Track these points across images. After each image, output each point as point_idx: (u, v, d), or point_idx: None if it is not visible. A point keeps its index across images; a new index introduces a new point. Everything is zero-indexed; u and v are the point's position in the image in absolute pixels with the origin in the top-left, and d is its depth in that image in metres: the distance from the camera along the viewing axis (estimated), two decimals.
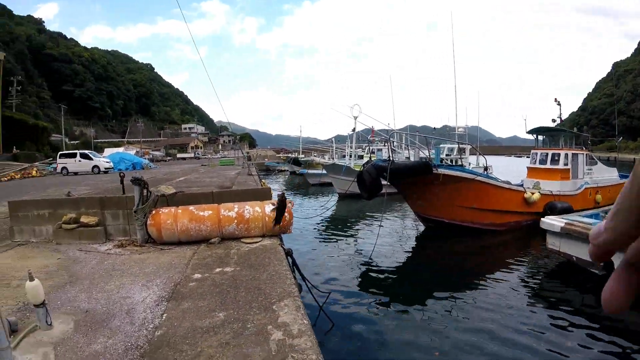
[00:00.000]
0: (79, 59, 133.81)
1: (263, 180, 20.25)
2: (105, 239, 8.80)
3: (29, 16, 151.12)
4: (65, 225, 8.82)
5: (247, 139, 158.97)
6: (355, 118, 31.19)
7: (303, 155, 60.22)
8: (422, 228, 18.55)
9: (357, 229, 19.80)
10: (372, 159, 22.92)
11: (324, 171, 33.26)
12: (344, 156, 43.54)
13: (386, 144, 32.06)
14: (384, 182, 15.93)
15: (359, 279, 11.90)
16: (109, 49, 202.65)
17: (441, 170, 15.99)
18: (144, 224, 8.18)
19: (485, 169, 20.89)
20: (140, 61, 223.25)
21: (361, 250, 15.18)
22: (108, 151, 60.10)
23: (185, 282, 5.80)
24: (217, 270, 6.23)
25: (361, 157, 38.80)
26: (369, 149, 38.86)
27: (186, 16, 9.80)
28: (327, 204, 23.95)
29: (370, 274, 12.44)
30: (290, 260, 7.32)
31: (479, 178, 16.57)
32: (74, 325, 4.60)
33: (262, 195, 9.42)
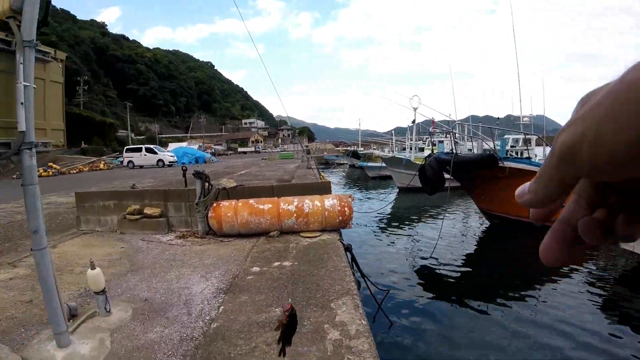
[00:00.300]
0: (142, 59, 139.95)
1: (322, 174, 20.16)
2: (168, 230, 8.96)
3: (92, 20, 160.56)
4: (130, 215, 9.07)
5: (306, 132, 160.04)
6: (415, 109, 30.53)
7: (362, 148, 59.73)
8: (487, 224, 17.87)
9: (418, 225, 19.26)
10: (434, 151, 22.27)
11: (384, 164, 32.57)
12: (404, 149, 42.80)
13: (447, 136, 31.10)
14: (447, 176, 15.45)
15: (420, 278, 11.49)
16: (171, 49, 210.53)
17: (507, 163, 15.29)
18: (205, 216, 8.24)
19: None
20: (200, 59, 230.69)
21: (422, 247, 14.66)
22: (172, 146, 62.44)
23: (243, 275, 5.73)
24: (276, 264, 6.13)
25: (421, 149, 38.02)
26: (430, 141, 37.90)
27: (243, 14, 9.88)
28: (386, 198, 23.54)
29: (431, 272, 12.01)
30: (349, 255, 7.13)
31: None
32: (132, 313, 4.63)
33: (322, 189, 9.25)
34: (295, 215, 7.82)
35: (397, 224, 19.25)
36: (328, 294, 4.86)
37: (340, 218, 7.96)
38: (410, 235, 16.99)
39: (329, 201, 8.02)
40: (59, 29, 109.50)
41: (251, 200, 8.15)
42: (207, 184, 8.30)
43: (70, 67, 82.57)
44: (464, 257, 13.53)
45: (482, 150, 20.19)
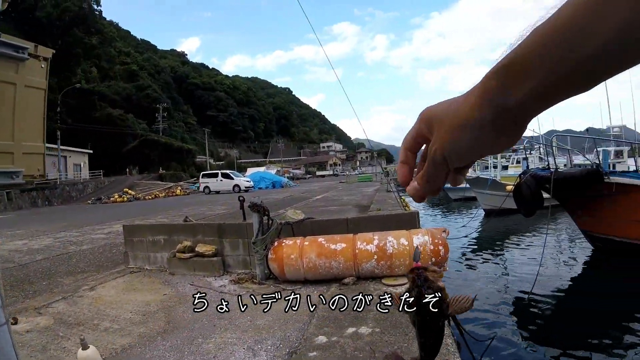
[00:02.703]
0: (221, 86, 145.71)
1: (403, 198, 18.42)
2: (223, 271, 7.64)
3: (173, 50, 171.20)
4: (180, 254, 7.86)
5: (385, 154, 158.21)
6: None
7: None
8: (590, 248, 15.14)
9: (511, 252, 16.58)
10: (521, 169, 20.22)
11: (467, 185, 29.94)
12: (486, 167, 40.38)
13: (531, 152, 29.07)
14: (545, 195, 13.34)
15: (521, 320, 9.28)
16: (249, 76, 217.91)
17: (614, 179, 12.88)
18: (264, 257, 6.78)
19: None
20: (278, 86, 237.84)
21: (519, 280, 12.17)
22: (250, 170, 63.76)
23: (304, 349, 4.12)
24: (350, 331, 4.47)
25: (505, 167, 35.89)
26: (514, 158, 35.94)
27: (319, 40, 8.85)
28: (469, 224, 21.25)
29: (534, 313, 9.65)
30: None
31: None
32: None
33: (407, 221, 7.52)
34: (375, 257, 6.17)
35: (487, 252, 16.59)
36: None
37: (433, 260, 6.18)
38: (503, 266, 14.42)
39: (419, 238, 6.30)
40: (140, 58, 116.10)
41: (320, 238, 6.61)
42: (266, 218, 6.88)
43: (150, 95, 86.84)
44: (573, 292, 11.10)
45: (573, 165, 18.02)
